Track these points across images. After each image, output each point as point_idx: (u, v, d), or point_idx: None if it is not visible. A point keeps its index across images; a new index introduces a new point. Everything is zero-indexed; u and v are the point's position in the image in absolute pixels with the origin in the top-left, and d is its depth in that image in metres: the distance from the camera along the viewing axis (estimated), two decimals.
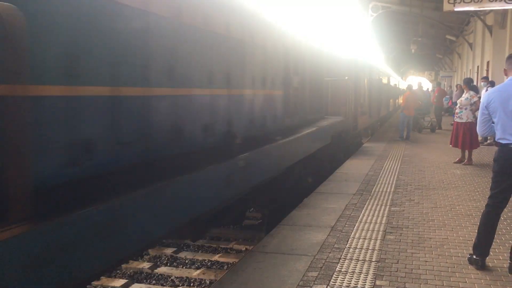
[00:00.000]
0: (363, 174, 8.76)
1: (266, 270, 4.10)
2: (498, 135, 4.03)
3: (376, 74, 18.87)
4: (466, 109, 9.61)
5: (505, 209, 4.14)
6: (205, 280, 5.46)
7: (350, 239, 4.89)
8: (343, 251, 4.52)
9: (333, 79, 10.97)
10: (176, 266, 5.84)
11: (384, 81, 23.46)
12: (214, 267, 5.90)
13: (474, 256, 4.12)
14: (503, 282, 3.79)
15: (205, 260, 6.00)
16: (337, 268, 4.10)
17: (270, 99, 6.50)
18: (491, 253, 4.16)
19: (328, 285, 3.76)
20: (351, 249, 4.58)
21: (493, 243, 4.16)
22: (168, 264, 5.91)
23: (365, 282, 3.81)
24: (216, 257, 6.11)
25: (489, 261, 4.16)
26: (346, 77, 11.65)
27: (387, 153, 11.71)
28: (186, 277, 5.47)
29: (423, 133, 16.69)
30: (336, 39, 12.67)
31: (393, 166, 9.64)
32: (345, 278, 3.89)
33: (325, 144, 8.83)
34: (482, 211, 4.21)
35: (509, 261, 4.01)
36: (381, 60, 25.40)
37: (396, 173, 8.78)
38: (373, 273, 3.98)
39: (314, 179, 8.59)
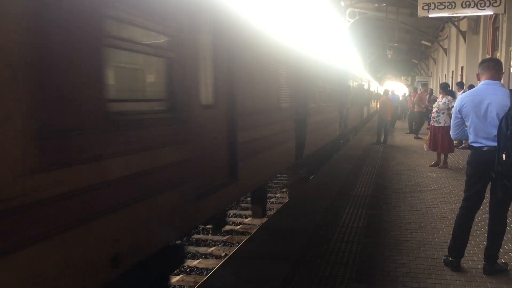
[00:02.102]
0: None
1: (245, 275, 4.10)
2: (470, 139, 4.09)
3: (315, 62, 10.23)
4: (443, 113, 9.75)
5: (479, 211, 4.22)
6: (184, 286, 5.42)
7: (329, 243, 4.93)
8: (322, 255, 4.55)
9: None
10: None
11: (339, 77, 14.15)
12: (193, 273, 5.86)
13: (450, 258, 4.19)
14: (477, 283, 3.87)
15: (184, 266, 5.96)
16: (316, 272, 4.12)
17: None
18: (466, 254, 4.24)
19: None
20: (329, 253, 4.61)
21: (468, 244, 4.24)
22: None
23: (344, 285, 3.84)
24: (195, 263, 6.08)
25: (464, 262, 4.23)
26: None
27: None
28: None
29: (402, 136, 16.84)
30: None
31: None
32: (325, 282, 3.92)
33: None
34: (457, 213, 4.29)
35: (483, 262, 4.10)
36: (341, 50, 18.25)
37: None
38: (351, 276, 4.01)
39: None
